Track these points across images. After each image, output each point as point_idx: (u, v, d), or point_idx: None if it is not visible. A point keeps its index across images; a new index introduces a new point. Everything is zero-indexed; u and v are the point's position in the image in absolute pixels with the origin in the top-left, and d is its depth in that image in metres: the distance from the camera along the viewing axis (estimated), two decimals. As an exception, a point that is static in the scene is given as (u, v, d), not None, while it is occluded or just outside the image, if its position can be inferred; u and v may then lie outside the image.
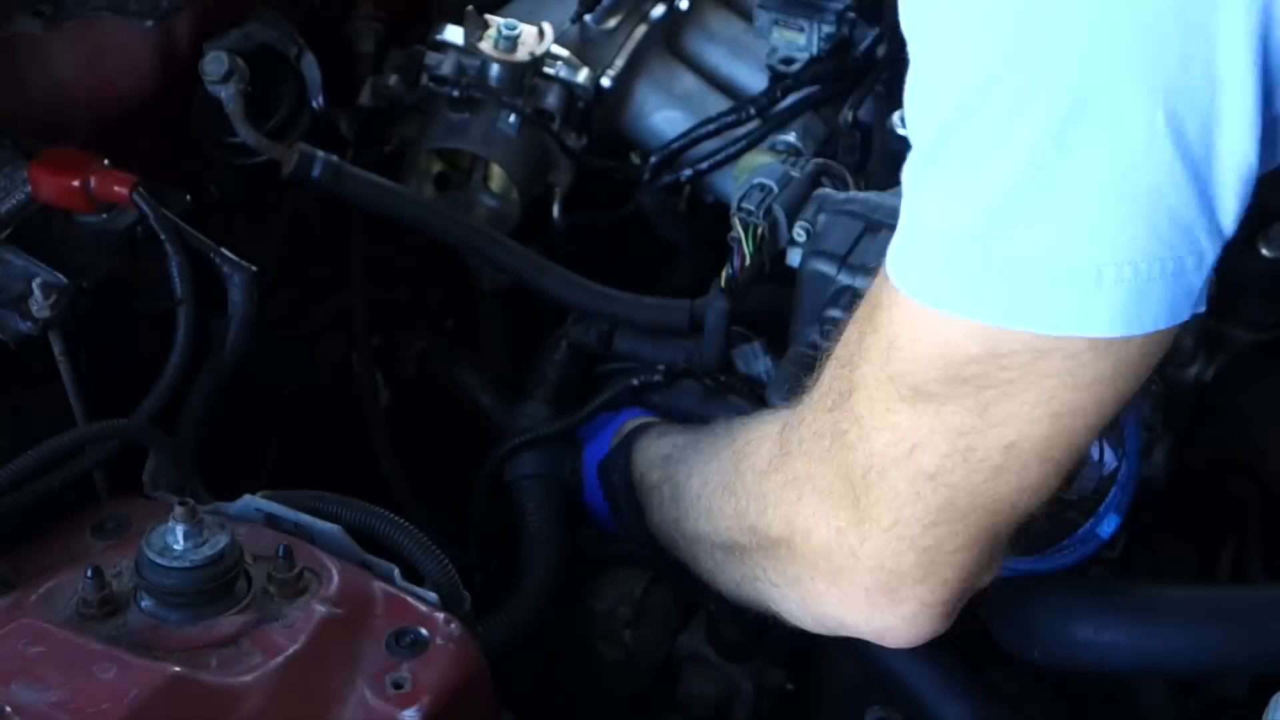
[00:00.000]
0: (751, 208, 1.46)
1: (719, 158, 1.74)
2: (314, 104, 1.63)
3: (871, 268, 1.25)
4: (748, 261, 1.47)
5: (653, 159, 1.77)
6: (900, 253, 1.04)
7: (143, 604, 1.14)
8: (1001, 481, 1.06)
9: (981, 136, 0.98)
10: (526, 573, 1.47)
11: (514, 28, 1.69)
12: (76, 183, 1.37)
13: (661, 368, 1.55)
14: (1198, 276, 0.98)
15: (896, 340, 1.05)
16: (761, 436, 1.23)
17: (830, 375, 1.13)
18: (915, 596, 1.13)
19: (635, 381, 1.55)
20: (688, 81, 1.83)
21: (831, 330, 1.16)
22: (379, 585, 1.19)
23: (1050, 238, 0.97)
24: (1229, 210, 0.98)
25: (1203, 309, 1.01)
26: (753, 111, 1.74)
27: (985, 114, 0.98)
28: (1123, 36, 0.93)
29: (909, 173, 1.04)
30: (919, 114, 1.03)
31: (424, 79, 1.72)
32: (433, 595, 1.20)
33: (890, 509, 1.09)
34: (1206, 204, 0.96)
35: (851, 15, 1.74)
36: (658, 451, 1.43)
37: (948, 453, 1.05)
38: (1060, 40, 0.95)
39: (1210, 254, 0.98)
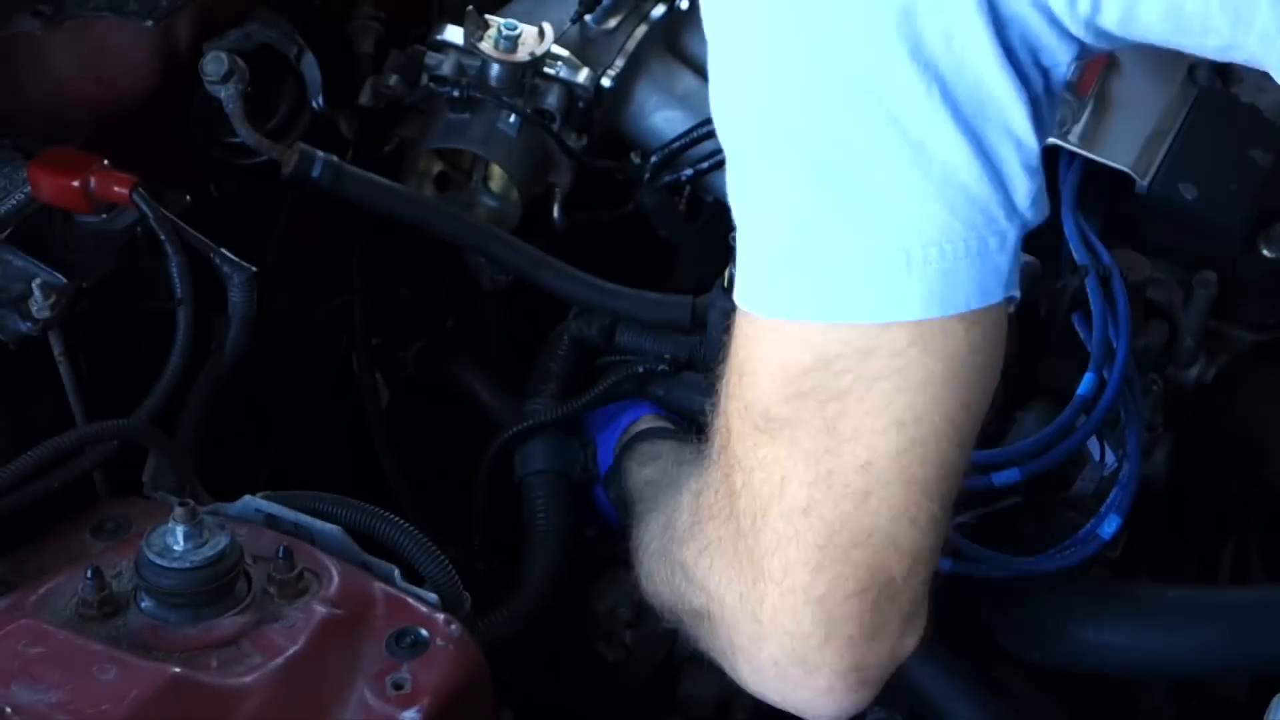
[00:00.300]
0: (754, 207, 1.46)
1: (719, 157, 1.73)
2: (314, 104, 1.63)
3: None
4: (750, 261, 1.47)
5: (653, 159, 1.76)
6: (738, 271, 1.06)
7: (143, 605, 1.14)
8: (871, 508, 1.04)
9: (771, 139, 1.00)
10: (529, 568, 1.47)
11: (514, 28, 1.69)
12: (76, 183, 1.37)
13: (667, 356, 1.55)
14: (1003, 257, 0.99)
15: (744, 366, 1.06)
16: (679, 504, 1.21)
17: (713, 429, 1.13)
18: (825, 663, 1.09)
19: (640, 368, 1.55)
20: (688, 81, 1.82)
21: None
22: (379, 586, 1.19)
23: (855, 226, 0.98)
24: (1021, 189, 0.99)
25: (1016, 294, 1.02)
26: (753, 111, 1.73)
27: (769, 116, 1.00)
28: (883, 21, 0.95)
29: (729, 190, 1.05)
30: (720, 131, 1.05)
31: (424, 79, 1.71)
32: (433, 596, 1.20)
33: (778, 556, 1.07)
34: (998, 181, 0.98)
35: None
36: (636, 481, 1.44)
37: (813, 480, 1.04)
38: (823, 32, 0.96)
39: (1012, 234, 0.99)
